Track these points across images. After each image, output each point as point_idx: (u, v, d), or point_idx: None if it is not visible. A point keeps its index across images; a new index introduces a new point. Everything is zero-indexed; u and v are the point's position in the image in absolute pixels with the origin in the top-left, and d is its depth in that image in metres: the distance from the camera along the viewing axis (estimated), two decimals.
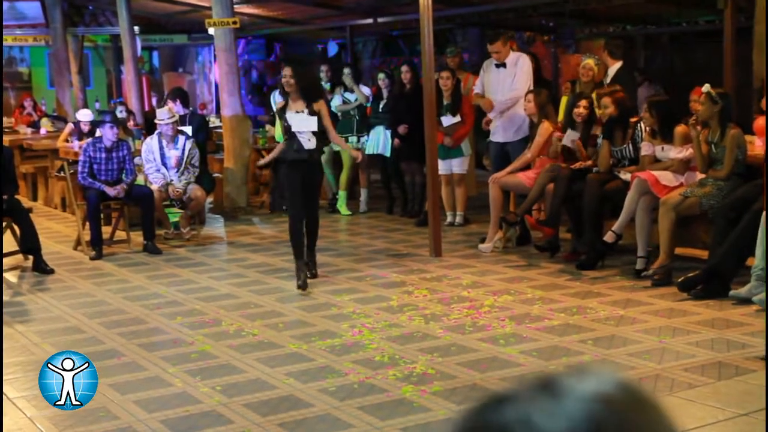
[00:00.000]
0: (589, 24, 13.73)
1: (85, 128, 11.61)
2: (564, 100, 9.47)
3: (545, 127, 8.29)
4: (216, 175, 11.10)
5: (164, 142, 9.54)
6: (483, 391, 4.83)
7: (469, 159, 9.96)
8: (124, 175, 9.15)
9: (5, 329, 6.43)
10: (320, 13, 14.38)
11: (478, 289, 7.10)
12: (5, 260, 8.60)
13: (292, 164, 7.31)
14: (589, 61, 8.75)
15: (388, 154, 10.57)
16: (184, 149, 9.55)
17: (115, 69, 18.46)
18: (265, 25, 16.03)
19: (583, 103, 8.06)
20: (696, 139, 7.04)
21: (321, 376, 5.15)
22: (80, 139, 11.37)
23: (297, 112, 7.25)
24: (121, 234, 9.51)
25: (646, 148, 7.52)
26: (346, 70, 11.12)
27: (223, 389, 5.00)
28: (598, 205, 7.59)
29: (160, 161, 9.54)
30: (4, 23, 15.27)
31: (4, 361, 5.63)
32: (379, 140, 10.65)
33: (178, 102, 10.52)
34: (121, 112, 12.03)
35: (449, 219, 9.81)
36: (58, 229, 10.67)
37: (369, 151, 10.76)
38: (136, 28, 13.82)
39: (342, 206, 10.99)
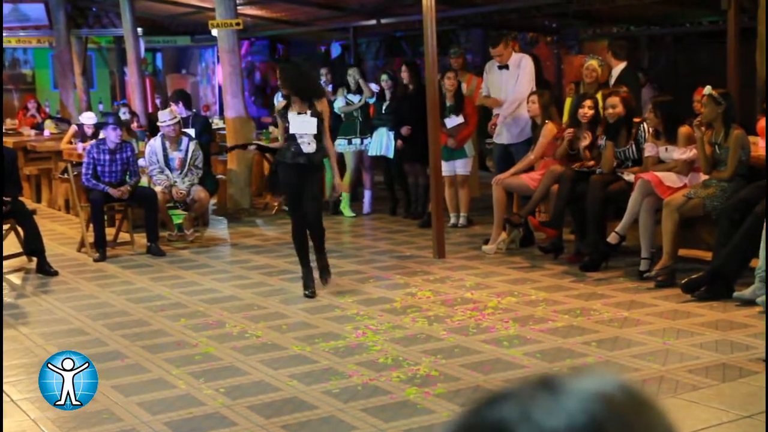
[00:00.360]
0: (593, 25, 13.72)
1: (89, 131, 11.63)
2: (568, 102, 9.46)
3: (549, 129, 8.29)
4: (219, 176, 11.11)
5: (167, 144, 9.55)
6: (487, 393, 4.82)
7: (473, 160, 9.96)
8: (127, 176, 9.16)
9: (9, 331, 6.44)
10: (323, 15, 14.38)
11: (482, 291, 7.10)
12: (9, 262, 8.61)
13: (290, 167, 7.08)
14: (593, 62, 8.74)
15: (391, 155, 10.56)
16: (187, 151, 9.56)
17: (119, 70, 18.49)
18: (268, 26, 16.03)
19: (588, 103, 8.06)
20: (700, 140, 7.04)
21: (324, 378, 5.15)
22: (84, 141, 11.38)
23: (299, 113, 7.04)
24: (124, 236, 9.52)
25: (649, 149, 7.52)
26: (351, 71, 11.11)
27: (227, 391, 5.00)
28: (601, 207, 7.58)
29: (163, 163, 9.54)
30: (8, 25, 15.32)
31: (8, 363, 5.63)
32: (382, 142, 10.65)
33: (181, 104, 10.53)
34: (124, 113, 12.05)
35: (452, 220, 9.81)
36: (61, 231, 10.68)
37: (372, 152, 10.77)
38: (139, 29, 13.83)
39: (345, 208, 10.99)
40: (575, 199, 7.78)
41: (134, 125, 12.15)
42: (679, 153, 7.30)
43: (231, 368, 5.42)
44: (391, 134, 10.48)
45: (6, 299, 7.57)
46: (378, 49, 17.64)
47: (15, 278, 8.37)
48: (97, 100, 17.61)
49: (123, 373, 5.39)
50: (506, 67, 8.96)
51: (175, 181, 9.50)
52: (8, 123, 15.69)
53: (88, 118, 11.93)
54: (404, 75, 10.44)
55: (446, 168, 9.42)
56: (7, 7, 15.35)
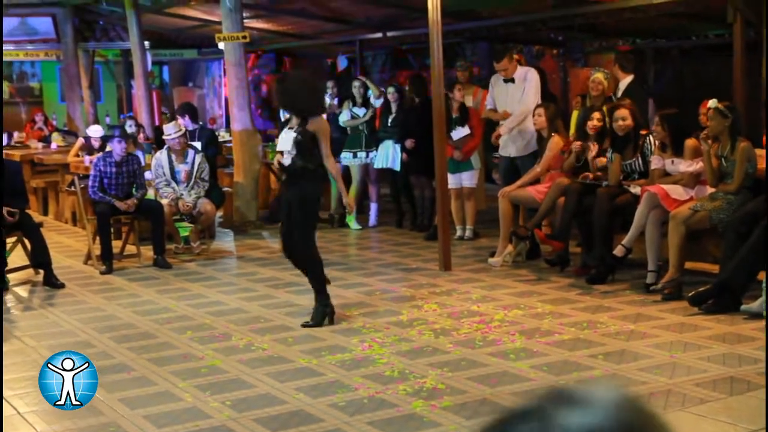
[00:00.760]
0: (599, 38, 13.74)
1: (96, 144, 11.67)
2: (575, 115, 9.47)
3: (555, 141, 8.30)
4: (226, 189, 11.13)
5: (174, 157, 9.57)
6: (493, 405, 4.82)
7: (479, 173, 9.96)
8: (134, 189, 9.19)
9: (16, 344, 6.45)
10: (330, 28, 14.43)
11: (488, 304, 7.09)
12: (16, 275, 8.64)
13: (282, 184, 6.91)
14: (599, 75, 8.75)
15: (397, 168, 10.58)
16: (193, 163, 9.58)
17: (126, 84, 18.55)
18: (274, 39, 16.09)
19: (597, 115, 8.07)
20: (706, 153, 7.03)
21: (331, 391, 5.14)
22: (91, 154, 11.42)
23: (290, 128, 6.82)
24: (131, 248, 9.53)
25: (656, 162, 7.51)
26: (356, 83, 11.15)
27: (233, 404, 4.99)
28: (608, 219, 7.58)
29: (169, 175, 9.57)
30: (16, 39, 15.40)
31: (15, 376, 5.65)
32: (388, 154, 10.67)
33: (187, 117, 10.57)
34: (130, 126, 12.09)
35: (459, 233, 9.81)
36: (68, 244, 10.70)
37: (378, 165, 10.78)
38: (146, 43, 13.90)
39: (351, 221, 11.00)
40: (582, 212, 7.77)
41: (141, 137, 12.19)
42: (685, 166, 7.29)
43: (237, 381, 5.42)
44: (397, 147, 10.50)
45: (13, 312, 7.59)
46: (384, 62, 17.68)
47: (22, 291, 8.39)
48: (104, 113, 17.68)
49: (129, 385, 5.40)
50: (512, 80, 8.97)
51: (182, 194, 9.52)
52: (16, 136, 15.76)
53: (95, 131, 11.97)
54: (408, 88, 10.50)
55: (453, 180, 9.43)
56: (15, 21, 15.42)
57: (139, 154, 10.35)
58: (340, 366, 5.64)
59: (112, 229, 9.28)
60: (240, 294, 7.82)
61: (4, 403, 5.12)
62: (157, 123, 14.20)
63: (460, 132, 9.52)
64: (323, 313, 6.61)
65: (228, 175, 11.94)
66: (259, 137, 11.66)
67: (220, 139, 13.39)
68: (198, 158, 9.62)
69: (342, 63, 17.87)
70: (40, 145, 14.50)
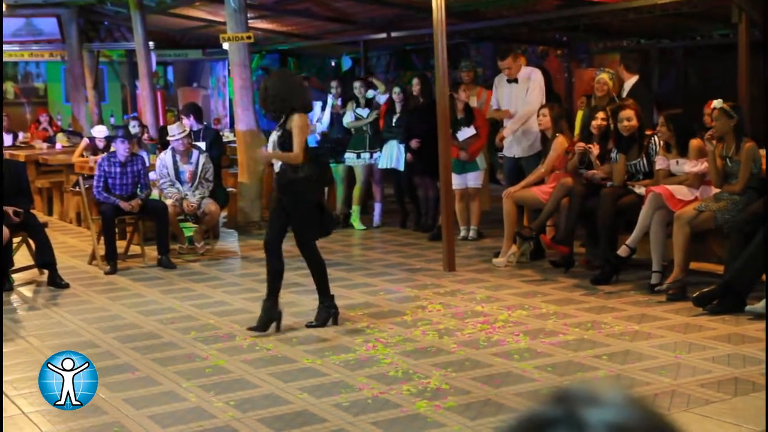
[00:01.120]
0: (603, 38, 13.72)
1: (101, 144, 11.68)
2: (580, 115, 9.46)
3: (559, 142, 8.29)
4: (230, 189, 11.14)
5: (178, 157, 9.58)
6: (497, 406, 4.81)
7: (484, 173, 9.96)
8: (138, 189, 9.20)
9: (20, 344, 6.46)
10: (334, 28, 14.42)
11: (492, 304, 7.09)
12: (21, 275, 8.65)
13: (276, 188, 6.67)
14: (604, 76, 8.74)
15: (401, 168, 10.58)
16: (198, 164, 9.59)
17: (130, 84, 18.58)
18: (279, 40, 16.09)
19: (601, 115, 8.06)
20: (711, 154, 7.02)
21: (335, 391, 5.14)
22: (95, 154, 11.43)
23: (276, 130, 6.58)
24: (135, 248, 9.54)
25: (660, 162, 7.50)
26: (357, 83, 11.16)
27: (237, 404, 4.99)
28: (612, 220, 7.57)
29: (174, 176, 9.58)
30: (21, 39, 15.43)
31: (19, 375, 5.65)
32: (392, 155, 10.67)
33: (192, 117, 10.57)
34: (134, 126, 12.10)
35: (463, 233, 9.81)
36: (73, 244, 10.72)
37: (382, 165, 10.78)
38: (151, 43, 13.91)
39: (355, 221, 11.01)
40: (586, 214, 7.77)
41: (146, 138, 12.20)
42: (690, 166, 7.28)
43: (241, 381, 5.42)
44: (402, 147, 10.50)
45: (18, 312, 7.60)
46: (388, 62, 17.68)
47: (26, 291, 8.40)
48: (108, 114, 17.69)
49: (134, 385, 5.40)
50: (515, 80, 8.98)
51: (186, 194, 9.53)
52: (21, 136, 15.79)
53: (100, 132, 11.99)
54: (415, 88, 10.47)
55: (458, 181, 9.44)
56: (20, 21, 15.47)
57: (143, 154, 10.36)
58: (344, 366, 5.63)
59: (116, 229, 9.29)
60: (244, 294, 7.83)
61: (9, 404, 5.13)
62: (161, 123, 14.21)
63: (465, 132, 9.52)
64: (327, 314, 6.60)
65: (232, 175, 11.94)
66: (263, 137, 11.65)
67: (225, 140, 13.40)
68: (202, 158, 9.63)
69: (346, 63, 17.89)
70: (44, 145, 14.53)
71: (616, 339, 6.03)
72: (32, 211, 8.77)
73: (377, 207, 11.15)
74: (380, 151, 10.80)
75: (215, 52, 17.72)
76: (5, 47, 15.22)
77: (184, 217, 9.68)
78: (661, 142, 7.56)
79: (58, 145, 14.21)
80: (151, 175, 9.71)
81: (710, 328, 6.20)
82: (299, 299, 7.47)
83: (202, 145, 10.18)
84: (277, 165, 6.53)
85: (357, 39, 14.81)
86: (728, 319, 6.35)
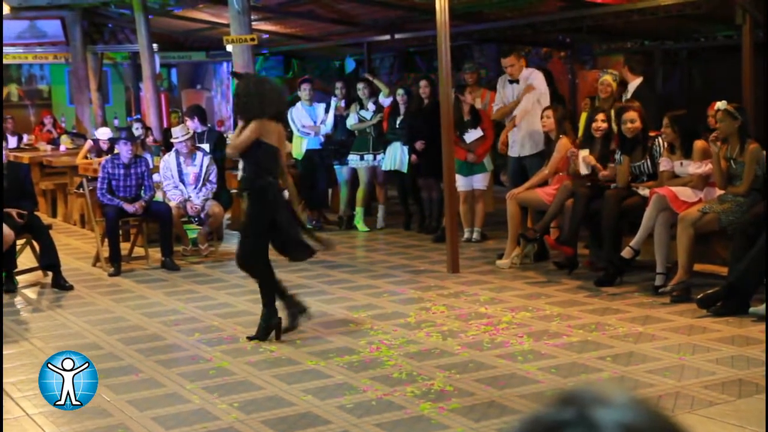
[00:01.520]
0: (607, 40, 13.71)
1: (104, 146, 11.69)
2: (583, 117, 9.46)
3: (563, 143, 8.29)
4: (234, 191, 11.14)
5: (182, 159, 9.59)
6: (501, 408, 4.81)
7: (489, 175, 9.96)
8: (142, 191, 9.20)
9: (24, 345, 6.47)
10: (338, 30, 14.43)
11: (496, 306, 7.08)
12: (25, 277, 8.67)
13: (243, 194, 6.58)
14: (607, 77, 8.74)
15: (405, 170, 10.57)
16: (201, 166, 9.60)
17: (134, 86, 18.58)
18: (282, 42, 16.10)
19: (600, 116, 8.05)
20: (716, 155, 7.01)
21: (339, 393, 5.14)
22: (99, 156, 11.44)
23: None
24: (139, 250, 9.55)
25: (664, 164, 7.49)
26: (360, 85, 11.16)
27: (241, 406, 5.00)
28: (616, 221, 7.56)
29: (177, 178, 9.59)
30: (25, 41, 15.45)
31: (23, 377, 5.66)
32: (396, 156, 10.67)
33: (195, 119, 10.58)
34: (137, 129, 12.10)
35: (466, 235, 9.81)
36: (77, 246, 10.73)
37: (386, 167, 10.78)
38: (155, 45, 13.92)
39: (359, 222, 11.01)
40: (590, 216, 7.76)
41: (150, 140, 12.21)
42: (694, 167, 7.27)
43: (245, 383, 5.42)
44: (405, 149, 10.50)
45: (21, 313, 7.61)
46: (392, 64, 17.68)
47: (30, 293, 8.41)
48: (112, 116, 17.71)
49: (137, 387, 5.40)
50: (517, 81, 8.99)
51: (190, 196, 9.54)
52: (26, 139, 15.82)
53: (104, 134, 12.00)
54: (424, 90, 10.41)
55: (464, 183, 9.44)
56: (24, 24, 15.49)
57: (147, 156, 10.37)
58: (348, 368, 5.63)
59: (120, 231, 9.30)
60: (248, 296, 7.82)
61: (14, 405, 5.14)
62: (165, 125, 14.22)
63: (473, 134, 9.53)
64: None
65: (236, 177, 11.94)
66: None
67: (228, 142, 13.39)
68: (206, 160, 9.64)
69: (350, 65, 17.89)
70: (48, 147, 14.54)
71: (620, 340, 6.02)
72: (36, 213, 8.79)
73: (381, 209, 11.15)
74: (384, 153, 10.80)
75: (219, 54, 17.72)
76: (10, 50, 15.27)
77: (188, 219, 9.69)
78: (666, 144, 7.55)
79: (62, 147, 14.22)
80: (155, 177, 9.72)
81: (714, 329, 6.19)
82: (302, 301, 7.45)
83: (206, 147, 10.19)
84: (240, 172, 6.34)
85: (360, 41, 14.82)
86: (732, 321, 6.34)
